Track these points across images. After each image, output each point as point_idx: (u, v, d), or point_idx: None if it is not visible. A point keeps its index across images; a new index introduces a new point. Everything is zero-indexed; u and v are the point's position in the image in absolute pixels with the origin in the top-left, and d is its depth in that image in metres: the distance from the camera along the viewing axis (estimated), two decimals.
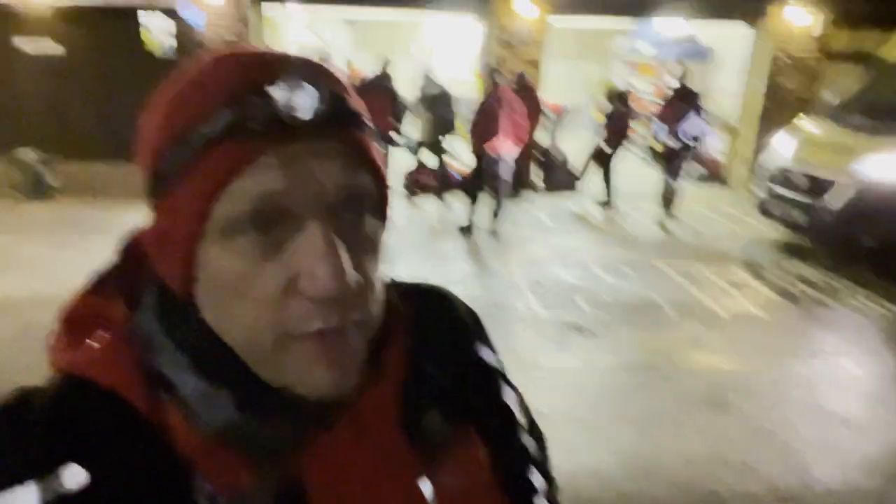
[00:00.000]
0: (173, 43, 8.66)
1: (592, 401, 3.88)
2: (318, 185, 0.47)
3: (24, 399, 0.51)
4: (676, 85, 7.73)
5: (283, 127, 0.46)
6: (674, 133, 7.46)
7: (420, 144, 8.38)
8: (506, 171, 6.90)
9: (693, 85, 7.70)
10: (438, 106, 8.13)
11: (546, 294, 5.47)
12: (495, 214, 7.08)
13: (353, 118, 0.51)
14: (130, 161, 0.53)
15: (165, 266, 0.52)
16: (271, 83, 0.46)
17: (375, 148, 0.53)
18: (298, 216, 0.47)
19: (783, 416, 3.77)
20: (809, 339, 4.90)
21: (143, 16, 8.50)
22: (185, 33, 8.53)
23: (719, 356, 4.50)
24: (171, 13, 8.49)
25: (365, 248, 0.51)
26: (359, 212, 0.51)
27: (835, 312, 5.37)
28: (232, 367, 0.51)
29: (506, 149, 6.78)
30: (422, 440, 0.58)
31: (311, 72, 0.49)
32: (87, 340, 0.53)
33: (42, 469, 0.46)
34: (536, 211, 8.27)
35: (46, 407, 0.50)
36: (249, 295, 0.48)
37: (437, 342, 0.66)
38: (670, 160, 7.72)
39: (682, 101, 7.49)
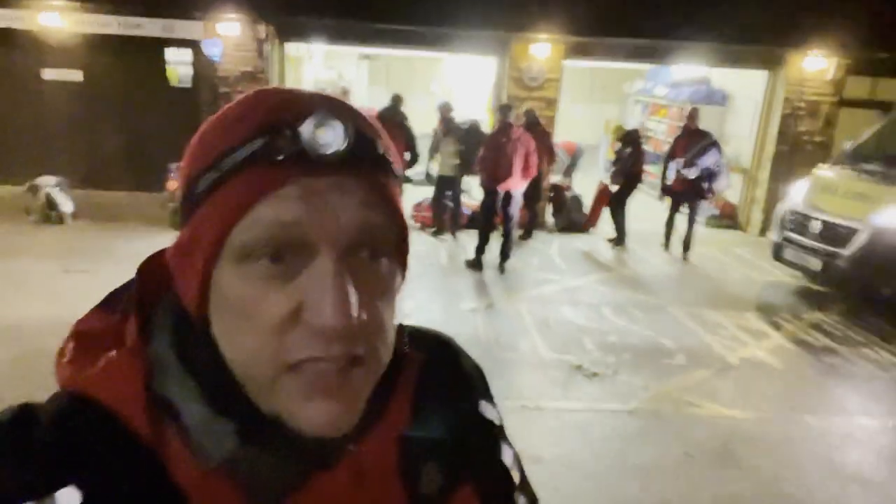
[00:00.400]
0: (190, 72, 8.80)
1: (595, 448, 3.75)
2: (335, 220, 0.48)
3: (27, 416, 0.50)
4: (689, 123, 8.02)
5: (308, 160, 0.47)
6: (688, 166, 7.68)
7: (440, 179, 8.31)
8: (515, 208, 6.86)
9: (704, 125, 7.99)
10: (468, 140, 8.18)
11: (553, 334, 5.37)
12: (504, 251, 7.02)
13: (378, 159, 0.52)
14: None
15: (184, 285, 0.52)
16: (301, 118, 0.48)
17: (397, 191, 0.54)
18: (313, 248, 0.48)
19: (796, 473, 3.61)
20: (824, 392, 4.74)
21: (163, 46, 8.67)
22: (202, 63, 8.67)
23: (730, 406, 4.35)
24: (189, 43, 8.65)
25: (377, 288, 0.51)
26: (374, 251, 0.51)
27: (850, 363, 5.21)
28: (238, 398, 0.50)
29: (515, 185, 6.76)
30: (418, 492, 0.58)
31: (341, 111, 0.50)
32: (97, 358, 0.53)
33: (38, 490, 0.46)
34: (547, 250, 8.20)
35: (48, 427, 0.49)
36: (255, 321, 0.48)
37: (440, 394, 0.65)
38: (685, 196, 7.91)
39: (695, 138, 7.76)
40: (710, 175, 7.66)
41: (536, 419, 4.01)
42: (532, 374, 4.65)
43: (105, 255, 6.40)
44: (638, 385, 4.56)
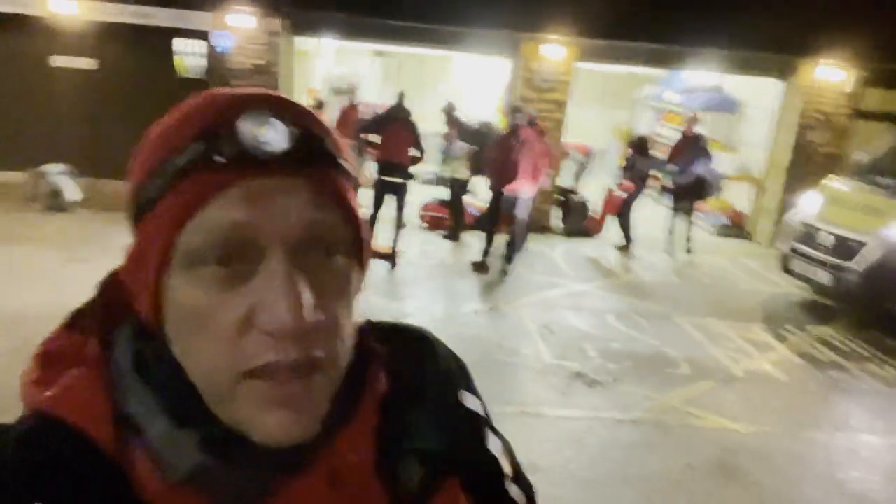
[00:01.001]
0: (203, 64, 8.78)
1: (594, 457, 3.70)
2: (283, 220, 0.47)
3: None
4: (687, 129, 8.50)
5: (251, 161, 0.46)
6: (682, 172, 8.20)
7: (455, 182, 8.23)
8: (522, 211, 6.81)
9: (715, 133, 8.16)
10: (477, 141, 8.11)
11: (555, 340, 5.31)
12: (509, 254, 6.96)
13: (326, 156, 0.50)
14: None
15: (138, 298, 0.52)
16: (239, 118, 0.47)
17: (349, 188, 0.52)
18: (261, 249, 0.47)
19: (800, 492, 3.55)
20: (829, 407, 4.67)
21: (175, 36, 8.65)
22: (214, 55, 8.65)
23: (733, 419, 4.29)
24: (202, 35, 8.62)
25: (332, 288, 0.50)
26: (326, 250, 0.50)
27: (856, 379, 5.13)
28: (198, 409, 0.49)
29: (522, 188, 6.70)
30: (398, 490, 0.57)
31: (283, 109, 0.49)
32: (61, 378, 0.52)
33: None
34: (552, 254, 8.13)
35: (13, 447, 0.49)
36: (208, 329, 0.47)
37: (417, 388, 0.63)
38: (683, 197, 8.32)
39: (689, 144, 8.24)
40: (702, 181, 8.14)
41: (536, 426, 3.96)
42: (533, 380, 4.59)
43: (109, 245, 6.34)
44: (640, 394, 4.50)
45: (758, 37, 8.33)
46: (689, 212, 8.41)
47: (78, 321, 0.57)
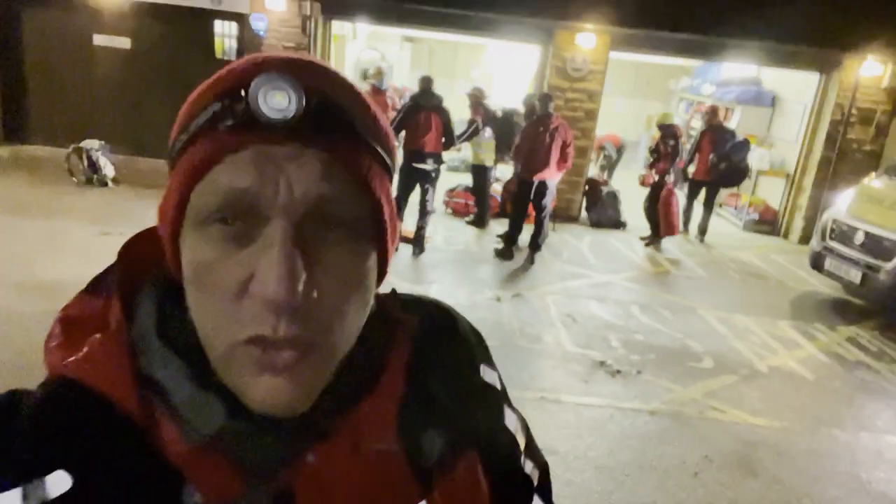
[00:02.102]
0: (235, 45, 8.88)
1: (613, 445, 3.71)
2: (288, 190, 0.46)
3: (13, 403, 0.50)
4: (711, 118, 8.82)
5: (264, 125, 0.45)
6: (721, 159, 8.50)
7: (482, 169, 8.18)
8: (549, 199, 6.80)
9: (752, 129, 8.08)
10: (503, 128, 8.08)
11: (578, 329, 5.31)
12: (535, 242, 6.96)
13: (344, 128, 0.49)
14: None
15: (165, 252, 0.52)
16: (253, 81, 0.46)
17: (370, 165, 0.50)
18: (265, 217, 0.47)
19: (821, 491, 3.52)
20: (854, 406, 4.61)
21: (211, 17, 8.76)
22: (248, 37, 8.74)
23: (755, 414, 4.26)
24: (236, 17, 8.72)
25: (339, 268, 0.49)
26: (336, 229, 0.48)
27: (883, 379, 5.05)
28: None
29: (550, 176, 6.69)
30: (420, 459, 0.57)
31: (300, 73, 0.47)
32: (83, 342, 0.52)
33: (27, 476, 0.46)
34: (579, 244, 8.11)
35: (34, 412, 0.49)
36: (211, 288, 0.47)
37: (438, 360, 0.64)
38: (708, 185, 8.78)
39: (720, 133, 8.63)
40: (738, 169, 8.66)
41: (555, 412, 3.98)
42: (554, 367, 4.61)
43: (143, 220, 6.43)
44: (662, 386, 4.50)
45: (797, 28, 8.14)
46: (712, 200, 8.88)
47: (99, 286, 0.57)
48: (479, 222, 8.26)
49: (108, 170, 8.07)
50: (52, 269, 5.16)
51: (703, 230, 8.85)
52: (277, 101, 0.45)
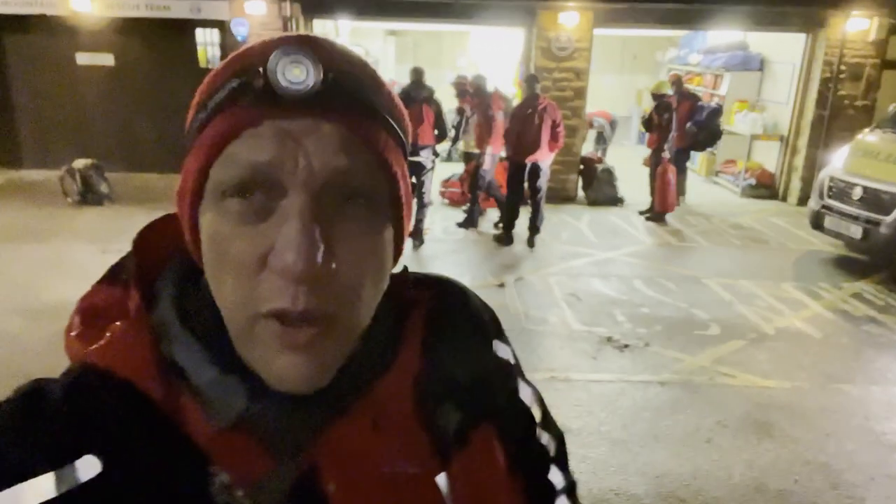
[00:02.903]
0: (218, 53, 8.86)
1: (626, 418, 3.73)
2: (306, 163, 0.47)
3: (40, 389, 0.51)
4: (681, 88, 8.67)
5: (282, 100, 0.46)
6: (684, 129, 8.42)
7: (466, 154, 8.17)
8: (543, 181, 6.80)
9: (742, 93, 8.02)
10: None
11: (583, 307, 5.32)
12: (533, 225, 6.96)
13: (361, 103, 0.49)
14: (181, 171, 0.54)
15: (184, 232, 0.53)
16: (272, 56, 0.47)
17: (386, 141, 0.51)
18: (284, 190, 0.47)
19: (836, 445, 3.53)
20: (864, 361, 4.62)
21: (192, 27, 8.74)
22: (230, 43, 8.72)
23: (765, 376, 4.27)
24: (217, 24, 8.70)
25: (354, 241, 0.49)
26: (354, 202, 0.49)
27: (891, 332, 5.05)
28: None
29: (542, 157, 6.68)
30: (437, 434, 0.58)
31: (316, 49, 0.48)
32: (104, 330, 0.53)
33: (58, 460, 0.46)
34: (577, 223, 8.10)
35: (62, 397, 0.50)
36: (229, 262, 0.48)
37: (453, 336, 0.64)
38: (680, 151, 8.67)
39: (692, 100, 8.62)
40: (712, 132, 8.99)
41: (565, 390, 3.99)
42: (561, 347, 4.62)
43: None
44: (670, 356, 4.51)
45: None
46: (685, 164, 9.09)
47: (116, 275, 0.58)
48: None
49: (102, 188, 8.07)
50: (54, 291, 5.17)
51: (682, 192, 9.01)
52: (295, 75, 0.46)
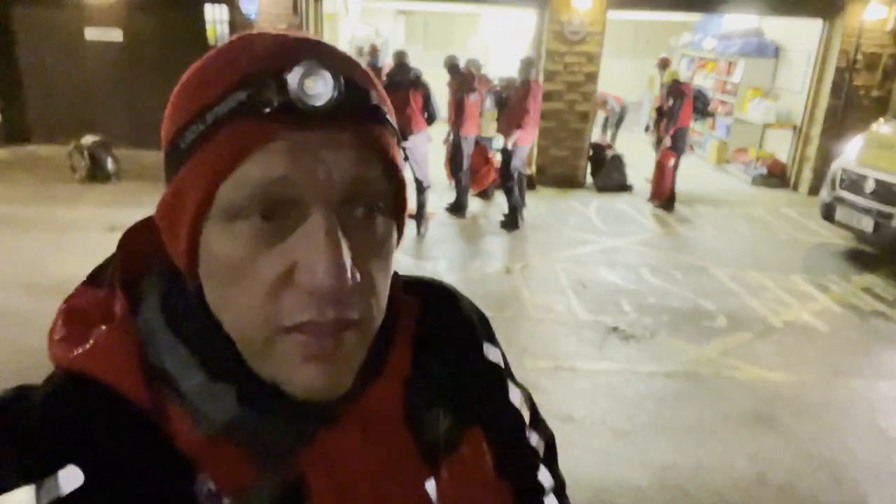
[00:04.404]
0: (227, 31, 8.79)
1: (630, 409, 3.71)
2: (326, 176, 0.46)
3: (21, 398, 0.49)
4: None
5: (296, 113, 0.44)
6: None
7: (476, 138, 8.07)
8: (517, 162, 6.91)
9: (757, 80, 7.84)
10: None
11: (589, 295, 5.30)
12: (515, 207, 6.99)
13: (372, 111, 0.49)
14: None
15: (172, 245, 0.50)
16: (288, 67, 0.45)
17: (394, 146, 0.51)
18: (304, 206, 0.46)
19: (841, 440, 3.51)
20: (872, 355, 4.59)
21: (201, 3, 8.65)
22: (239, 21, 8.64)
23: (771, 369, 4.25)
24: (226, 1, 8.62)
25: (372, 247, 0.50)
26: (369, 208, 0.49)
27: None
28: (233, 361, 0.49)
29: (529, 141, 6.92)
30: (426, 439, 0.58)
31: (331, 59, 0.47)
32: (88, 334, 0.52)
33: (39, 472, 0.45)
34: (586, 210, 8.05)
35: (43, 406, 0.48)
36: (247, 283, 0.46)
37: (442, 340, 0.65)
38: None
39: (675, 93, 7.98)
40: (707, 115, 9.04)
41: (570, 379, 3.98)
42: (567, 335, 4.60)
43: (147, 213, 6.49)
44: (676, 347, 4.48)
45: None
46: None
47: (100, 277, 0.57)
48: (484, 194, 8.21)
49: (110, 165, 8.05)
50: (61, 267, 5.18)
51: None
52: (315, 88, 0.45)
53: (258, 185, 0.45)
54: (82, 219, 6.57)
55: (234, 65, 0.47)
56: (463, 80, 7.14)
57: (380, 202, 0.50)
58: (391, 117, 0.51)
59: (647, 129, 9.74)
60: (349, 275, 0.45)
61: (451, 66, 7.40)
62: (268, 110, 0.44)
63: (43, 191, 7.54)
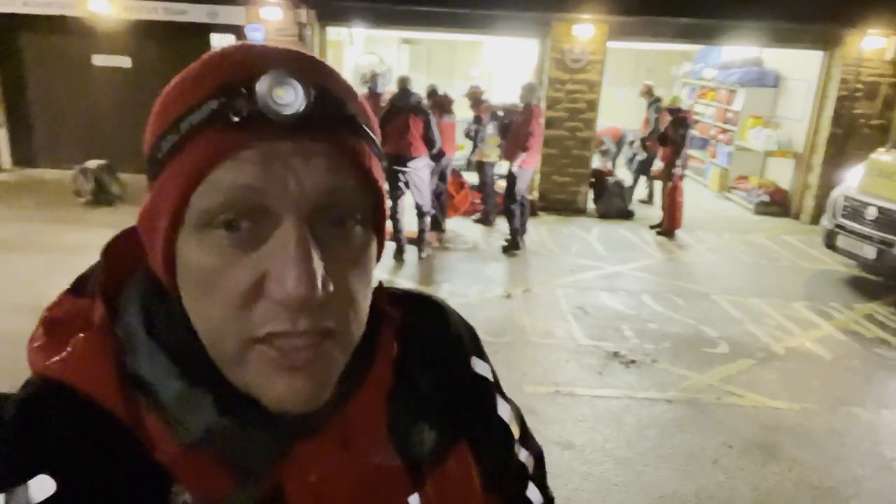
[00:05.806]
0: None
1: (630, 435, 3.68)
2: (298, 186, 0.45)
3: None
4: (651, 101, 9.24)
5: (267, 122, 0.44)
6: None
7: (486, 166, 8.11)
8: (521, 185, 6.98)
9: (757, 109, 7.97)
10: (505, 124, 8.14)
11: (590, 321, 5.27)
12: (516, 230, 7.03)
13: (346, 120, 0.48)
14: None
15: (151, 254, 0.50)
16: (257, 76, 0.45)
17: (370, 155, 0.50)
18: (275, 215, 0.45)
19: (843, 470, 3.47)
20: (874, 384, 4.54)
21: (208, 32, 8.79)
22: None
23: (773, 397, 4.21)
24: (233, 29, 8.75)
25: (347, 258, 0.49)
26: (343, 219, 0.48)
27: None
28: (212, 370, 0.48)
29: (533, 164, 7.03)
30: (411, 452, 0.57)
31: (304, 68, 0.47)
32: (67, 343, 0.51)
33: (10, 480, 0.44)
34: (587, 235, 8.06)
35: (16, 414, 0.48)
36: (218, 293, 0.46)
37: (428, 353, 0.64)
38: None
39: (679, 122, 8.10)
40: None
41: (570, 405, 3.95)
42: (567, 361, 4.57)
43: None
44: (677, 374, 4.45)
45: (797, 7, 8.05)
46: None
47: (83, 286, 0.56)
48: (486, 220, 8.23)
49: (114, 189, 8.11)
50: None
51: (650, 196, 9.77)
52: (284, 97, 0.44)
53: (228, 194, 0.45)
54: (86, 242, 6.60)
55: (210, 75, 0.47)
56: (435, 102, 7.51)
57: (356, 213, 0.49)
58: (371, 129, 0.51)
59: (630, 160, 10.19)
60: (320, 284, 0.44)
61: (430, 92, 7.96)
62: (237, 119, 0.44)
63: (48, 214, 7.59)
